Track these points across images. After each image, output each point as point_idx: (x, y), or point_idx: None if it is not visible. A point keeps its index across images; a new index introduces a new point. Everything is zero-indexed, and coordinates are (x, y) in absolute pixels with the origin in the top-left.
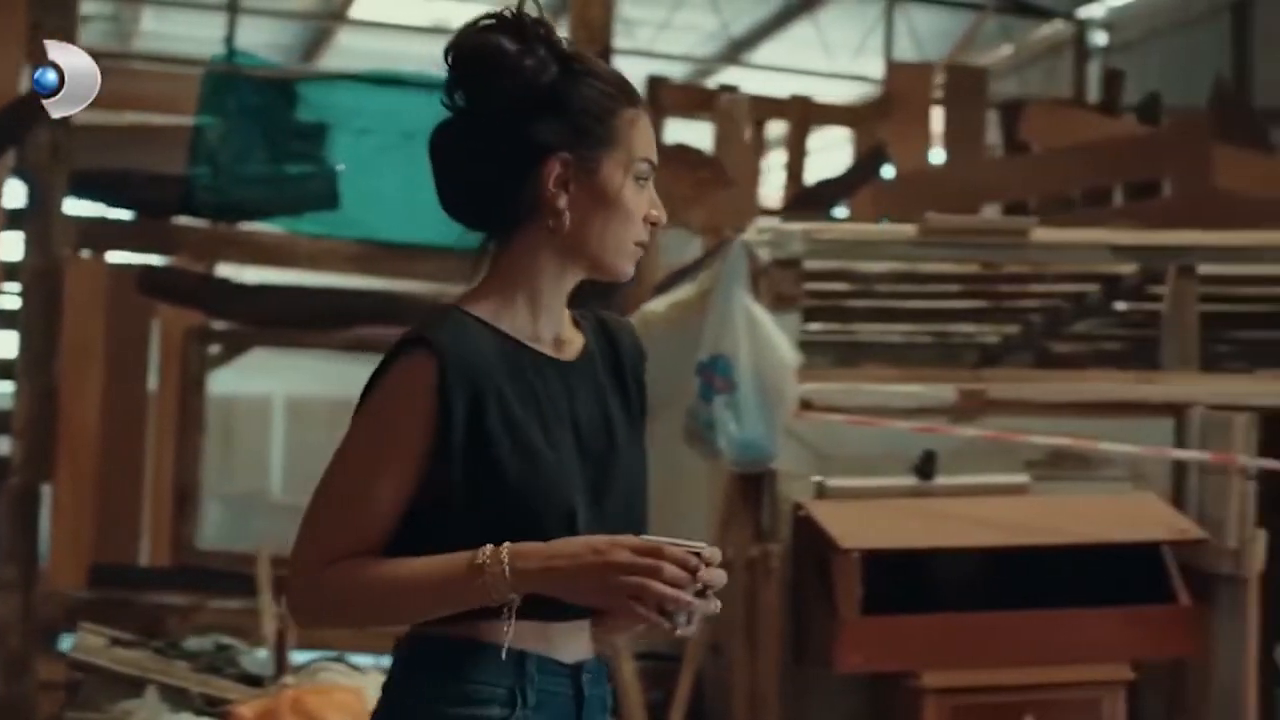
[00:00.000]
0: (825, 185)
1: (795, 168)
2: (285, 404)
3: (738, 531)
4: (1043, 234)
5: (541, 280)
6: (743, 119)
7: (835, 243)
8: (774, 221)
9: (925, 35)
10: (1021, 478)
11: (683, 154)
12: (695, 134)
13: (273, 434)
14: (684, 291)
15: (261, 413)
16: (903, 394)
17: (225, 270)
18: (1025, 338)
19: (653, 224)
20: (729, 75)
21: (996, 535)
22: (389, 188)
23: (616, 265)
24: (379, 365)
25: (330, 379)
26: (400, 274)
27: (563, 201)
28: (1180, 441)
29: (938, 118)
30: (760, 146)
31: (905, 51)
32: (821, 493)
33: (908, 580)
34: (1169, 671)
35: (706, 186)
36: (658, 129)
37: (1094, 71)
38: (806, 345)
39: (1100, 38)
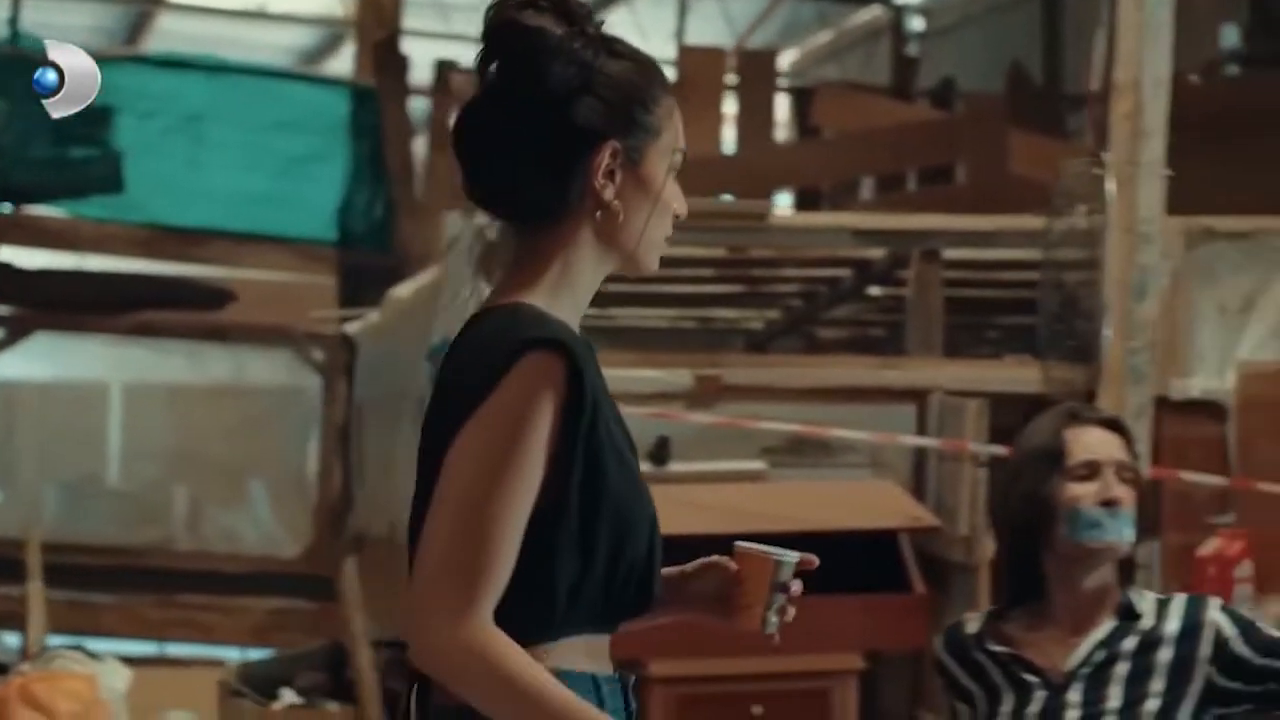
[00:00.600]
0: None
1: None
2: (123, 390)
3: None
4: (783, 217)
5: (583, 274)
6: None
7: None
8: None
9: (739, 18)
10: (758, 464)
11: None
12: None
13: (110, 420)
14: (427, 276)
15: (99, 399)
16: (639, 379)
17: (8, 254)
18: (787, 322)
19: (676, 217)
20: None
21: (730, 522)
22: (173, 171)
23: (649, 260)
24: (490, 367)
25: (169, 366)
26: (185, 258)
27: (610, 192)
28: (921, 427)
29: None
30: None
31: (722, 35)
32: None
33: None
34: (909, 662)
35: None
36: (447, 116)
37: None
38: None
39: (918, 23)
